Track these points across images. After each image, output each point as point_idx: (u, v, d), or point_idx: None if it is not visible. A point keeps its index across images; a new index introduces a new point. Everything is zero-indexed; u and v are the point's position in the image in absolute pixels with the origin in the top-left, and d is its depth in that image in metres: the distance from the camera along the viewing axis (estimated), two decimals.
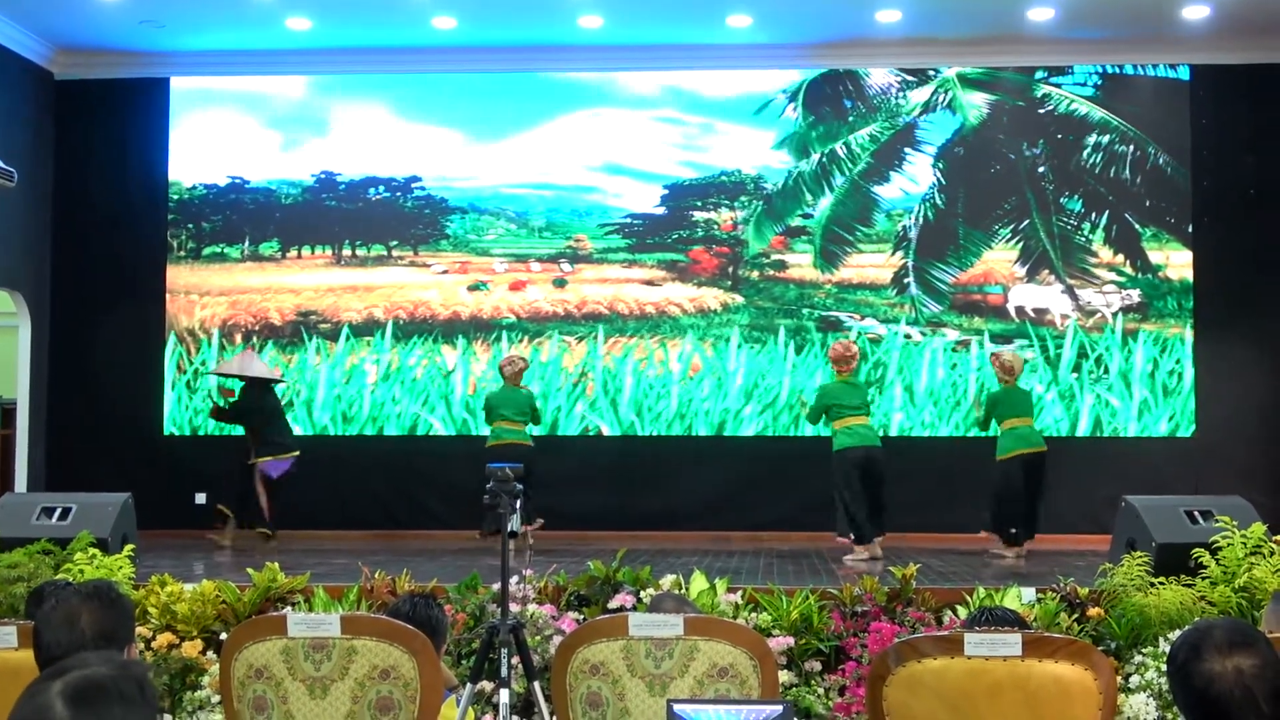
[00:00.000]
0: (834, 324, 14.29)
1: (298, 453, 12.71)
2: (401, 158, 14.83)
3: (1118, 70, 14.36)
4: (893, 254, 14.41)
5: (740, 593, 7.91)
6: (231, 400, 12.91)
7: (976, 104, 14.47)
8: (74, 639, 3.38)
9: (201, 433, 14.59)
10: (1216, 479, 13.03)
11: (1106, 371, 14.13)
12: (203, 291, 14.86)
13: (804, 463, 11.89)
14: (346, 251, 14.89)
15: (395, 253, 14.85)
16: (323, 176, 14.91)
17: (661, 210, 14.68)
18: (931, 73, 14.48)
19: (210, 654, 7.58)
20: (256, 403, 12.73)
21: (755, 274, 14.51)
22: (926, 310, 14.30)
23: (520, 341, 14.47)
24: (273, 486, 12.49)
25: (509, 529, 5.37)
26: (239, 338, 14.72)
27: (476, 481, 5.61)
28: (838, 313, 14.36)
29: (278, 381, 13.33)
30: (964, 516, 12.69)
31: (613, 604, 7.75)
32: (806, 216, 14.53)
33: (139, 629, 7.50)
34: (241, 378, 12.89)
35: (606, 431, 14.46)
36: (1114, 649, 7.42)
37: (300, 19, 13.59)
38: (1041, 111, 14.45)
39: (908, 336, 14.29)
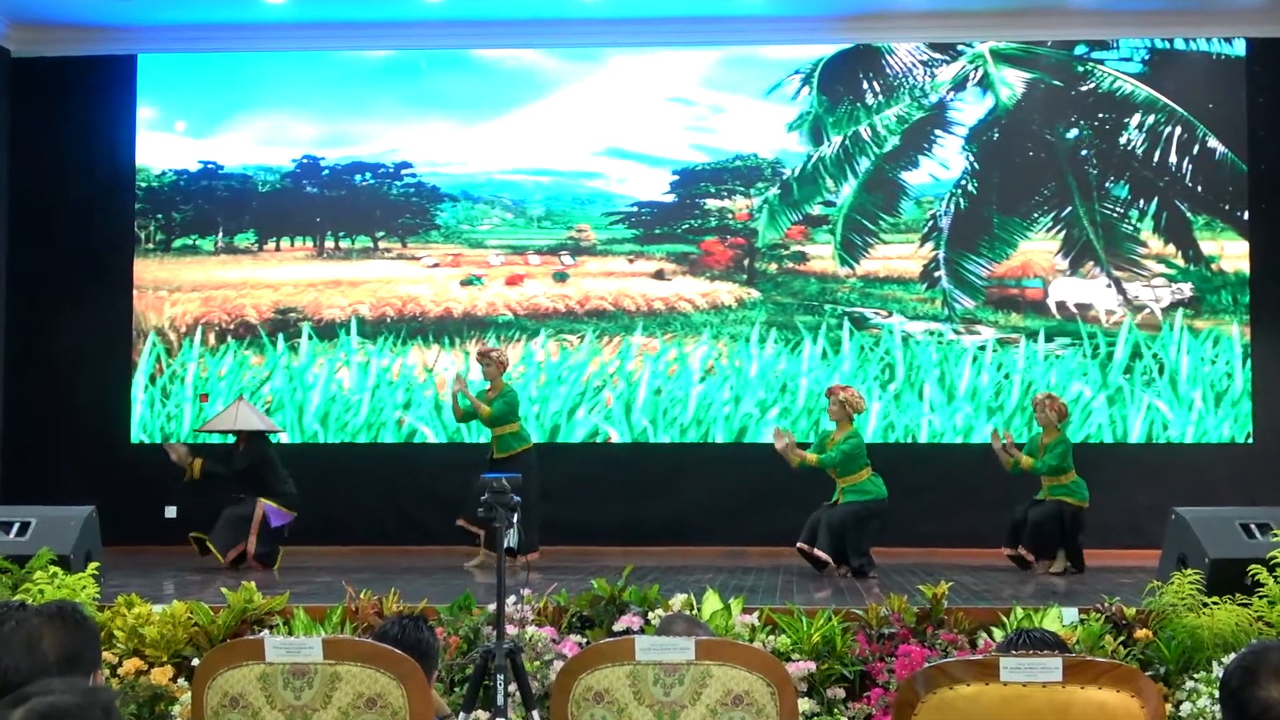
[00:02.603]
0: (858, 321, 14.29)
1: (296, 514, 12.29)
2: (388, 141, 14.85)
3: (1167, 45, 14.35)
4: (921, 245, 14.41)
5: (757, 613, 7.93)
6: (225, 463, 12.39)
7: (1012, 82, 14.46)
8: (35, 663, 3.38)
9: (173, 440, 14.59)
10: (1275, 489, 13.01)
11: (1161, 372, 14.10)
12: (173, 287, 14.88)
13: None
14: (329, 243, 14.91)
15: (382, 244, 14.87)
16: (303, 162, 14.93)
17: (671, 198, 14.69)
18: (963, 48, 14.48)
19: (181, 681, 7.60)
20: (260, 455, 12.35)
21: (773, 267, 14.52)
22: (959, 306, 14.29)
23: (517, 340, 14.47)
24: (264, 533, 12.05)
25: (505, 544, 5.38)
26: (212, 337, 14.74)
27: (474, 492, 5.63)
28: (862, 308, 14.36)
29: (275, 432, 13.09)
30: (1000, 530, 12.68)
31: (618, 626, 7.77)
32: (828, 204, 14.53)
33: (104, 654, 7.52)
34: (235, 433, 12.47)
35: (615, 438, 14.46)
36: (1163, 674, 7.42)
37: None
38: (1083, 90, 14.44)
39: (911, 336, 14.27)
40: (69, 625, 3.49)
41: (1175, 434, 14.08)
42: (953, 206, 14.42)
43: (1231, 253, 14.20)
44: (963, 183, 14.46)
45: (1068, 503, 11.70)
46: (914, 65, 14.55)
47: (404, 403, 14.58)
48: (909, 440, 14.11)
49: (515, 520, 5.62)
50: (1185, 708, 7.20)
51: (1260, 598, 7.68)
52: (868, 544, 11.41)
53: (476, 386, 12.49)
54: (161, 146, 14.95)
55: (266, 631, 7.80)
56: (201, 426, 13.48)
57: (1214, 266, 14.22)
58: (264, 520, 12.06)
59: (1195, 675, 7.37)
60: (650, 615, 7.84)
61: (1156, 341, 14.14)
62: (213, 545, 12.02)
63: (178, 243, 14.98)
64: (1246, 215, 14.15)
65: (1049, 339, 14.17)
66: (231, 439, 12.58)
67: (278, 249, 14.95)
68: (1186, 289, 14.22)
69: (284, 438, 13.74)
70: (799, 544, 11.49)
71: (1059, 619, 7.77)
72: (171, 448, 12.68)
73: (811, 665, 7.50)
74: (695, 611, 7.78)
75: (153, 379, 14.76)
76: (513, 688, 5.85)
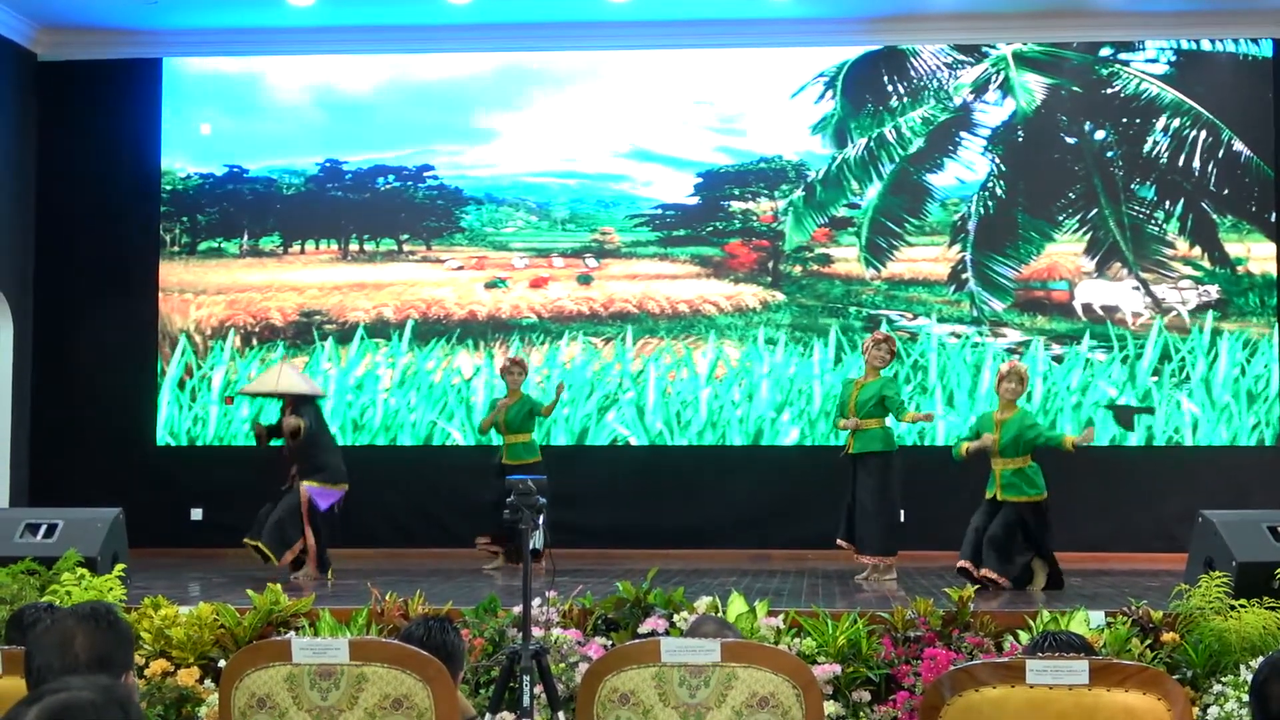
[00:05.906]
0: (883, 324, 14.25)
1: (347, 486, 11.46)
2: (413, 144, 14.88)
3: (1193, 46, 14.30)
4: (949, 247, 14.38)
5: (782, 616, 7.94)
6: (277, 427, 11.50)
7: (1038, 84, 14.43)
8: (66, 663, 3.41)
9: (199, 443, 14.66)
10: None
11: (1189, 375, 14.06)
12: (198, 290, 14.93)
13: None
14: (354, 246, 14.95)
15: (406, 247, 14.91)
16: (327, 165, 14.97)
17: (695, 200, 14.70)
18: (988, 50, 14.45)
19: (208, 682, 7.64)
20: (313, 423, 11.36)
21: (798, 269, 14.51)
22: (987, 308, 14.26)
23: (542, 343, 14.49)
24: (318, 521, 11.22)
25: (531, 546, 5.40)
26: (237, 339, 14.79)
27: (498, 495, 5.65)
28: (888, 311, 14.34)
29: (319, 396, 12.12)
30: None
31: (643, 629, 7.79)
32: (853, 207, 14.52)
33: None
34: (280, 396, 11.53)
35: (635, 441, 14.46)
36: (1190, 677, 7.41)
37: None
38: (1109, 92, 14.41)
39: (939, 338, 14.25)
40: (101, 626, 3.51)
41: (1203, 437, 14.03)
42: (979, 209, 14.40)
43: (1259, 255, 14.15)
44: (989, 184, 14.43)
45: (1024, 503, 10.43)
46: (939, 68, 14.53)
47: (430, 404, 14.59)
48: (935, 443, 14.07)
49: (541, 522, 5.64)
50: (1212, 711, 7.19)
51: None
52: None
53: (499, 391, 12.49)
54: (186, 150, 15.01)
55: (292, 633, 7.83)
56: (242, 389, 12.92)
57: (1241, 269, 14.17)
58: (312, 507, 11.16)
59: (1223, 679, 7.36)
60: (675, 618, 7.85)
61: (1184, 344, 14.10)
62: (265, 548, 11.10)
63: (203, 246, 15.03)
64: (1273, 217, 14.10)
65: (1076, 341, 14.13)
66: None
67: (302, 252, 15.00)
68: (1214, 291, 14.18)
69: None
70: (839, 540, 11.24)
71: (1085, 622, 7.76)
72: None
73: (837, 668, 7.51)
74: (720, 614, 7.79)
75: (180, 383, 14.80)
76: (538, 689, 5.88)
